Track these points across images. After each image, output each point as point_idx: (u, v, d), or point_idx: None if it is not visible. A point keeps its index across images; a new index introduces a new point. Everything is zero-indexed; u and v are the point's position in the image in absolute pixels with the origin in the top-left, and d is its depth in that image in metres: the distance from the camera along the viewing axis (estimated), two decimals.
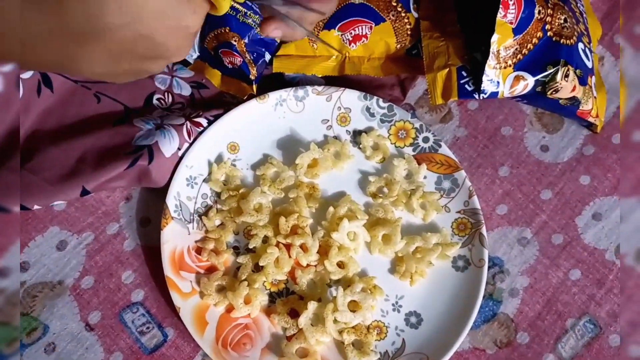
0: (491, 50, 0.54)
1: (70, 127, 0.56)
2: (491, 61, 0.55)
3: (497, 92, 0.56)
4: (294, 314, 0.52)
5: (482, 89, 0.55)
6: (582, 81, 0.58)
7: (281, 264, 0.53)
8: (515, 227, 0.58)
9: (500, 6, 0.54)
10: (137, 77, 0.40)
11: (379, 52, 0.60)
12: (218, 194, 0.56)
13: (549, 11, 0.57)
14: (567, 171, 0.60)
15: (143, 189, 0.56)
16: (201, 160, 0.57)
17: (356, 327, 0.52)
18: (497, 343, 0.54)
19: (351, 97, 0.60)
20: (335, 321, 0.51)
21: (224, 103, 0.60)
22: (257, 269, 0.53)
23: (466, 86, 0.56)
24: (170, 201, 0.54)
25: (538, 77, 0.56)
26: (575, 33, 0.58)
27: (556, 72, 0.55)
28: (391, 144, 0.59)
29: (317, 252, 0.54)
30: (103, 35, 0.35)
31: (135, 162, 0.53)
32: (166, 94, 0.60)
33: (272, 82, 0.61)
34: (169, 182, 0.55)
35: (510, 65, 0.55)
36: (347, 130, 0.60)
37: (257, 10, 0.58)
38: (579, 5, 0.62)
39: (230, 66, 0.58)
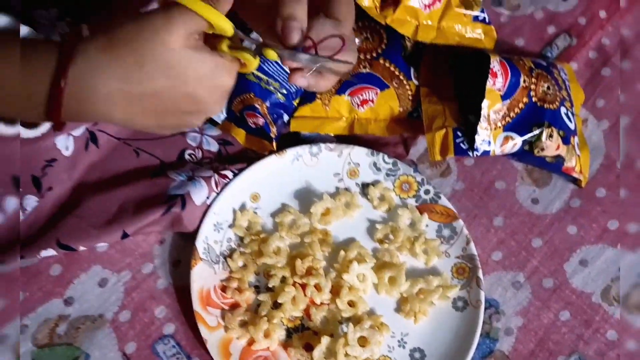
0: (482, 113, 0.61)
1: (113, 178, 0.60)
2: (483, 123, 0.61)
3: (489, 151, 0.62)
4: (309, 348, 0.55)
5: (475, 147, 0.61)
6: (566, 141, 0.64)
7: (297, 302, 0.56)
8: (510, 271, 0.61)
9: (490, 76, 0.61)
10: (180, 130, 0.45)
11: (384, 114, 0.66)
12: (241, 238, 0.60)
13: (533, 80, 0.64)
14: (556, 222, 0.64)
15: (175, 233, 0.60)
16: (227, 208, 0.60)
17: None
18: None
19: (360, 154, 0.64)
20: (346, 355, 0.54)
21: (247, 158, 0.63)
22: (276, 306, 0.56)
23: (461, 145, 0.62)
24: (200, 244, 0.58)
25: (525, 137, 0.62)
26: (558, 98, 0.65)
27: (541, 133, 0.62)
28: (396, 195, 0.64)
29: (330, 292, 0.57)
30: (156, 95, 0.41)
31: (169, 209, 0.57)
32: (197, 149, 0.64)
33: (290, 139, 0.65)
34: (198, 227, 0.58)
35: (500, 127, 0.62)
36: (356, 183, 0.64)
37: (277, 77, 0.64)
38: (561, 74, 0.69)
39: (253, 126, 0.63)
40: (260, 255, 0.59)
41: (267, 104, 0.64)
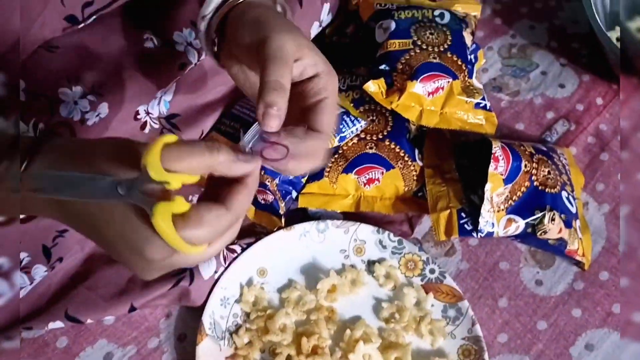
0: (485, 196, 0.63)
1: None
2: (486, 206, 0.63)
3: (493, 232, 0.63)
4: None
5: (479, 228, 0.63)
6: (568, 224, 0.65)
7: None
8: (515, 354, 0.61)
9: (492, 160, 0.63)
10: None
11: (389, 193, 0.68)
12: (247, 314, 0.60)
13: (534, 165, 0.66)
14: (560, 304, 0.64)
15: (181, 307, 0.60)
16: (234, 282, 0.61)
17: None
18: None
19: (366, 231, 0.65)
20: None
21: (255, 233, 0.65)
22: None
23: (465, 226, 0.64)
24: (206, 319, 0.58)
25: (528, 220, 0.64)
26: (559, 183, 0.67)
27: (543, 216, 0.63)
28: (401, 273, 0.64)
29: None
30: (148, 263, 0.40)
31: (178, 283, 0.58)
32: None
33: (298, 215, 0.66)
34: (205, 301, 0.59)
35: (502, 210, 0.64)
36: (362, 260, 0.65)
37: None
38: (561, 158, 0.71)
39: (263, 202, 0.65)
40: (266, 332, 0.59)
41: (277, 181, 0.66)
